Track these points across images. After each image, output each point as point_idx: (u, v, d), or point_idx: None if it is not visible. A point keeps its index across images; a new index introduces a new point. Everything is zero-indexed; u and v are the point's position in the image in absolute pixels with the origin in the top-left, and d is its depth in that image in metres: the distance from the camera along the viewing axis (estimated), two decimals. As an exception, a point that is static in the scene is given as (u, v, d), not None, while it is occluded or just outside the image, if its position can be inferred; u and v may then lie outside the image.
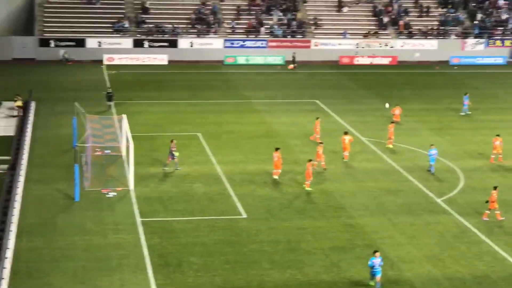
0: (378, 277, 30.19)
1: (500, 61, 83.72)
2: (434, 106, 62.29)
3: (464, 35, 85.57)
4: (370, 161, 47.11)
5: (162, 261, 32.30)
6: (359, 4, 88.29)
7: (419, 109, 60.28)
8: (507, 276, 31.80)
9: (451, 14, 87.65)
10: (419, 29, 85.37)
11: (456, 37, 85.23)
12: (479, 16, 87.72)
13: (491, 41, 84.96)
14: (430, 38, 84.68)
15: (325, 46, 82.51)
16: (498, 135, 47.58)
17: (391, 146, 49.64)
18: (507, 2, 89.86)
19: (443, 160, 46.81)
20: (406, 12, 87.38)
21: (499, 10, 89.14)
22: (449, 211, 38.77)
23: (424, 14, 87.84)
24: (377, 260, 30.25)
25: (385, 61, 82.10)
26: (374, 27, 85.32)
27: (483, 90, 69.18)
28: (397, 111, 55.42)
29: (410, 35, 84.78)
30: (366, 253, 32.96)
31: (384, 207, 39.30)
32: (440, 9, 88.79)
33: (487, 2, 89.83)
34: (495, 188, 38.02)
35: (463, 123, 56.97)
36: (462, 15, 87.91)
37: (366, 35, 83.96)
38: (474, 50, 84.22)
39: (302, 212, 38.43)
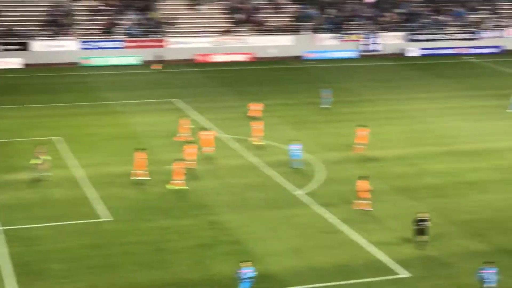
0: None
1: (352, 54, 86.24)
2: (292, 101, 63.43)
3: (317, 30, 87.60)
4: (232, 158, 47.54)
5: (23, 269, 31.50)
6: (214, 2, 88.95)
7: (277, 104, 61.12)
8: (368, 263, 32.88)
9: (305, 10, 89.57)
10: (273, 25, 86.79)
11: (309, 32, 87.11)
12: (331, 10, 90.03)
13: (344, 35, 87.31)
14: (285, 34, 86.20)
15: (181, 45, 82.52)
16: (363, 126, 49.03)
17: (259, 142, 50.09)
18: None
19: (303, 154, 47.82)
20: (260, 8, 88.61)
21: (351, 5, 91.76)
22: (312, 203, 39.68)
23: (278, 10, 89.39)
24: (245, 271, 29.05)
25: (242, 58, 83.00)
26: (230, 25, 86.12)
27: (337, 83, 70.95)
28: (256, 107, 56.13)
29: (266, 32, 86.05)
30: (231, 249, 33.47)
31: (247, 203, 39.80)
32: (293, 5, 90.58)
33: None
34: (362, 178, 39.06)
35: (320, 116, 58.29)
36: (314, 10, 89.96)
37: (222, 32, 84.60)
38: (328, 45, 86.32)
39: (167, 212, 38.38)
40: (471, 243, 34.98)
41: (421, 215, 34.41)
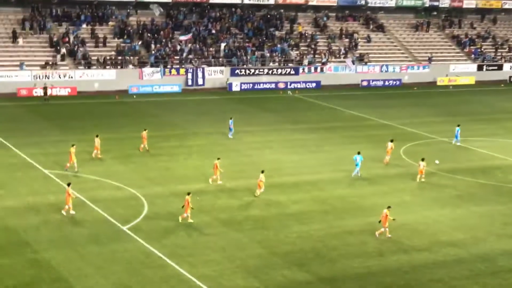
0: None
1: (176, 89, 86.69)
2: (116, 135, 62.67)
3: (141, 64, 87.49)
4: (54, 193, 46.25)
5: None
6: (35, 35, 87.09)
7: (101, 139, 60.03)
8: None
9: (127, 44, 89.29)
10: (97, 59, 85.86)
11: (133, 67, 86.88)
12: (154, 46, 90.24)
13: (167, 69, 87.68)
14: (109, 68, 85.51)
15: (2, 79, 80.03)
16: (218, 158, 50.10)
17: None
18: (180, 32, 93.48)
19: (127, 188, 47.45)
20: (83, 42, 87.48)
21: (173, 40, 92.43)
22: (135, 238, 39.31)
23: (101, 45, 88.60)
24: None
25: (65, 92, 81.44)
26: (52, 58, 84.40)
27: (161, 117, 71.14)
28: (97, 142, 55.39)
29: (89, 66, 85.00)
30: (53, 287, 32.50)
31: (70, 239, 38.84)
32: (116, 39, 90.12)
33: (161, 33, 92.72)
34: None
35: (144, 151, 57.81)
36: (138, 44, 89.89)
37: (44, 66, 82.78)
38: (152, 79, 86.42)
39: (-16, 251, 36.89)
40: (294, 274, 35.79)
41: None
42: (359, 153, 53.23)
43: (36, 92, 79.71)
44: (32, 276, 34.07)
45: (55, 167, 51.87)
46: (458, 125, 64.68)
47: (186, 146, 60.19)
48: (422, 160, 52.85)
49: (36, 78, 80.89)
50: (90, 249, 37.59)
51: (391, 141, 57.38)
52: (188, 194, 42.28)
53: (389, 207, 41.43)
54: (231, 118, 64.05)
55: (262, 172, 47.63)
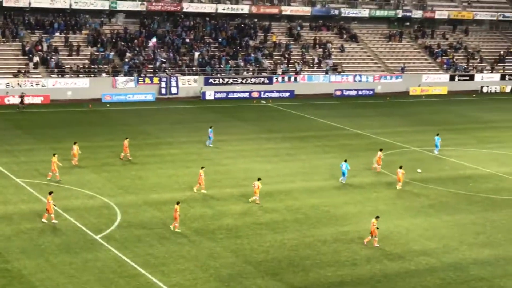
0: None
1: (150, 97, 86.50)
2: (89, 143, 62.13)
3: (115, 73, 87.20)
4: (26, 203, 46.00)
5: None
6: (7, 43, 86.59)
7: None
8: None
9: (101, 53, 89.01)
10: (70, 67, 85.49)
11: (107, 75, 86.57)
12: (128, 54, 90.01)
13: (141, 78, 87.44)
14: (82, 77, 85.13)
15: (-27, 86, 79.52)
16: (202, 167, 50.02)
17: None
18: (155, 41, 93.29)
19: (100, 197, 47.26)
20: (56, 51, 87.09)
21: (147, 49, 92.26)
22: (108, 247, 39.13)
23: (74, 53, 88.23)
24: None
25: (38, 100, 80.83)
26: (25, 66, 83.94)
27: (135, 126, 70.90)
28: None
29: (62, 74, 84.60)
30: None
31: (42, 248, 38.56)
32: (90, 48, 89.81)
33: (135, 41, 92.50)
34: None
35: (118, 159, 57.65)
36: (111, 53, 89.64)
37: (16, 74, 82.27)
38: (125, 88, 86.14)
39: (-46, 261, 36.52)
40: (267, 283, 35.81)
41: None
42: (345, 160, 53.71)
43: (8, 100, 79.18)
44: (3, 286, 33.79)
45: (28, 176, 51.56)
46: (437, 134, 65.39)
47: (159, 155, 60.04)
48: (400, 168, 53.26)
49: (8, 86, 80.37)
50: (62, 258, 37.36)
51: (380, 150, 58.14)
52: (178, 203, 42.25)
53: (377, 217, 41.71)
54: (211, 127, 64.07)
55: (259, 179, 48.06)
